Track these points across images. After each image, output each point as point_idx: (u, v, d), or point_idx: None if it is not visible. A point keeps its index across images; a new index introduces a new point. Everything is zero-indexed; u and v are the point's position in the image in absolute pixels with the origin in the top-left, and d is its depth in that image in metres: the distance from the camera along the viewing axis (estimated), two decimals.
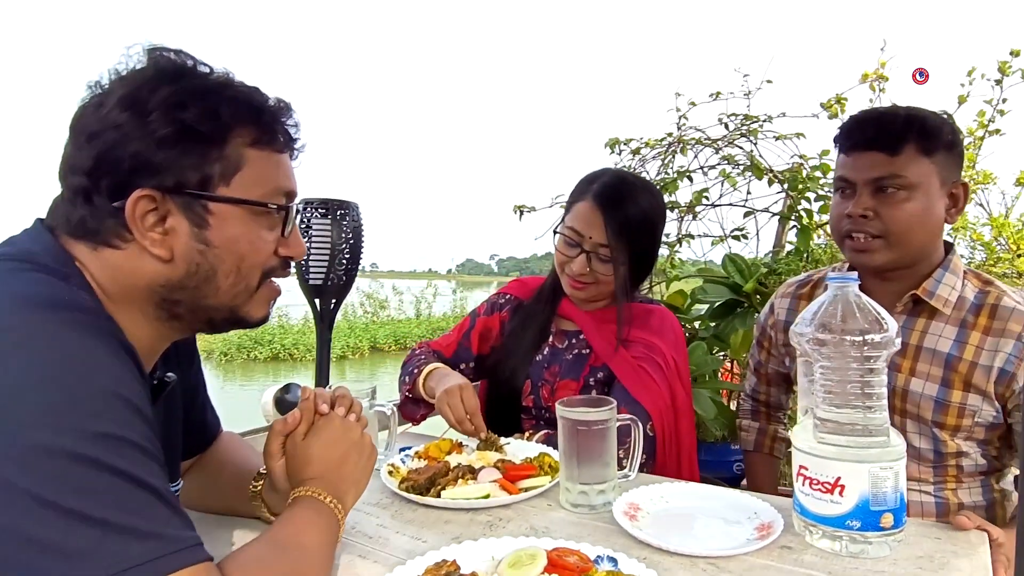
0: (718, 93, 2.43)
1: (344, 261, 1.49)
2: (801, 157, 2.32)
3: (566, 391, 1.34)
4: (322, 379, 1.56)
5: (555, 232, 1.36)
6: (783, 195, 2.35)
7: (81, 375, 0.54)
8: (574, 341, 1.39)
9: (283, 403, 1.28)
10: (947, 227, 1.21)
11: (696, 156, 2.45)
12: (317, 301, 1.54)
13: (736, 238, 2.44)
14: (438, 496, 0.96)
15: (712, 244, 2.48)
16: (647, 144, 2.52)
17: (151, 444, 0.57)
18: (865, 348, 0.79)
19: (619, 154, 2.56)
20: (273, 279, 0.75)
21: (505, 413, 1.40)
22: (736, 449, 1.89)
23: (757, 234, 2.44)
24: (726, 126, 2.41)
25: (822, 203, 2.19)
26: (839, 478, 0.79)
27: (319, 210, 1.48)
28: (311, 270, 1.50)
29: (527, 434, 1.30)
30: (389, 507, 0.97)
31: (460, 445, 1.17)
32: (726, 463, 1.91)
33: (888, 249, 1.14)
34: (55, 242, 0.66)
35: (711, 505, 0.94)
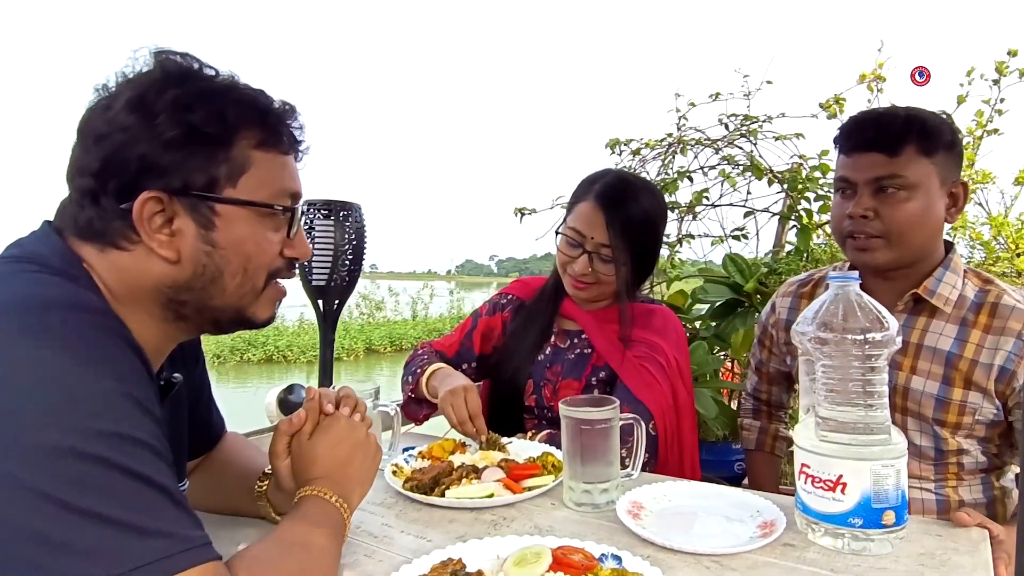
0: (718, 94, 2.44)
1: (347, 262, 1.50)
2: (801, 157, 2.33)
3: (568, 391, 1.35)
4: (326, 379, 1.56)
5: (557, 232, 1.37)
6: (783, 195, 2.36)
7: (91, 375, 0.55)
8: (576, 341, 1.40)
9: (286, 403, 1.29)
10: (947, 226, 1.22)
11: (696, 156, 2.46)
12: (320, 302, 1.55)
13: (736, 238, 2.45)
14: (442, 496, 0.96)
15: (712, 244, 2.49)
16: (647, 145, 2.53)
17: (160, 444, 0.58)
18: (866, 347, 0.79)
19: (619, 155, 2.56)
20: (278, 280, 0.76)
21: (507, 413, 1.41)
22: (737, 448, 1.90)
23: (757, 234, 2.45)
24: (726, 126, 2.42)
25: (822, 203, 2.20)
26: (841, 476, 0.80)
27: (322, 211, 1.48)
28: (314, 271, 1.51)
29: (530, 434, 1.31)
30: (394, 507, 0.97)
31: (463, 445, 1.18)
32: (727, 462, 1.92)
33: (889, 249, 1.15)
34: (63, 244, 0.66)
35: (714, 503, 0.95)
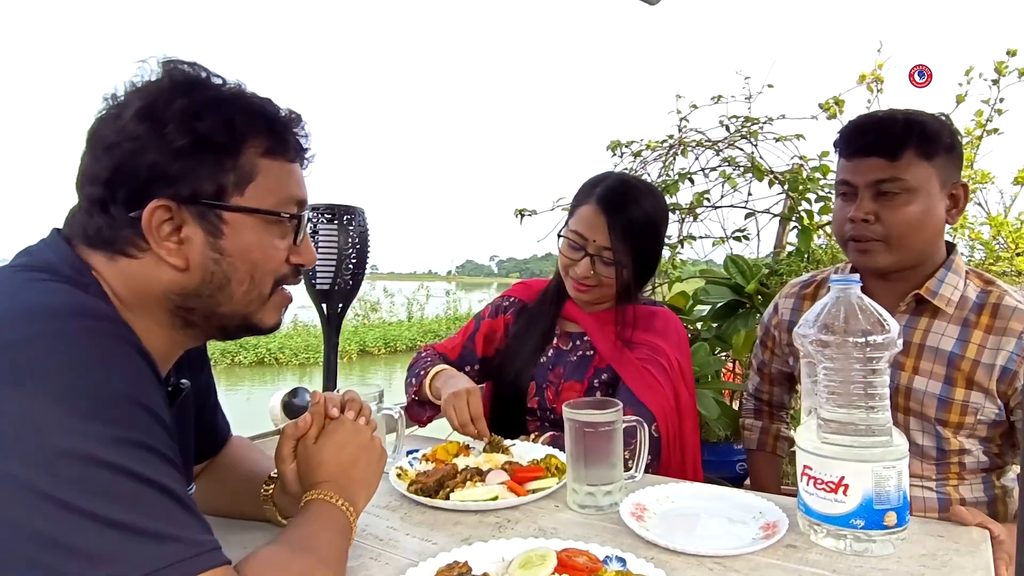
0: (720, 96, 2.45)
1: (351, 266, 1.51)
2: (801, 158, 2.33)
3: (571, 392, 1.35)
4: (330, 382, 1.57)
5: (559, 235, 1.37)
6: (783, 196, 2.37)
7: (103, 382, 0.55)
8: (578, 343, 1.41)
9: (291, 407, 1.29)
10: (947, 227, 1.22)
11: (697, 158, 2.46)
12: (324, 306, 1.55)
13: (737, 239, 2.45)
14: (447, 498, 0.97)
15: (713, 245, 2.50)
16: (648, 146, 2.54)
17: (170, 449, 0.58)
18: (867, 349, 0.80)
19: (620, 156, 2.57)
20: (284, 286, 0.76)
21: (510, 414, 1.42)
22: (739, 449, 1.90)
23: (758, 235, 2.46)
24: (727, 128, 2.43)
25: (822, 204, 2.21)
26: (843, 477, 0.80)
27: (325, 215, 1.49)
28: (318, 275, 1.52)
29: (532, 436, 1.32)
30: (398, 509, 0.98)
31: (467, 447, 1.19)
32: (729, 463, 1.92)
33: (890, 251, 1.15)
34: (72, 252, 0.67)
35: (716, 505, 0.95)
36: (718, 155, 2.44)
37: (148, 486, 0.54)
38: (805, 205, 2.26)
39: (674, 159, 2.48)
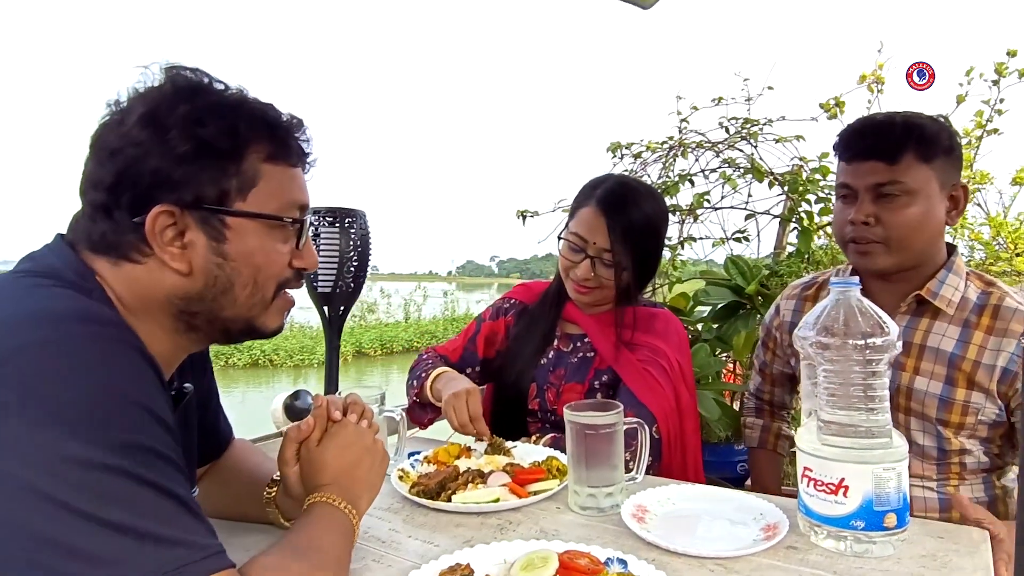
0: (720, 98, 2.45)
1: (352, 268, 1.51)
2: (801, 159, 2.34)
3: (571, 394, 1.36)
4: (331, 385, 1.57)
5: (559, 237, 1.38)
6: (783, 197, 2.37)
7: (109, 388, 0.56)
8: (579, 344, 1.41)
9: (292, 410, 1.30)
10: (948, 228, 1.23)
11: (697, 159, 2.47)
12: (326, 308, 1.56)
13: (737, 240, 2.46)
14: (449, 500, 0.97)
15: (713, 246, 2.50)
16: (648, 147, 2.54)
17: (174, 453, 0.59)
18: (867, 351, 0.80)
19: (620, 158, 2.57)
20: (287, 290, 0.77)
21: (511, 416, 1.42)
22: (740, 449, 1.91)
23: (758, 236, 2.46)
24: (726, 129, 2.43)
25: (822, 205, 2.21)
26: (843, 479, 0.81)
27: (327, 218, 1.50)
28: (319, 278, 1.52)
29: (534, 437, 1.32)
30: (400, 512, 0.98)
31: (468, 449, 1.19)
32: (730, 463, 1.93)
33: (890, 254, 1.16)
34: (76, 257, 0.68)
35: (717, 507, 0.96)
36: (718, 156, 2.45)
37: (153, 490, 0.55)
38: (805, 206, 2.26)
39: (674, 160, 2.48)
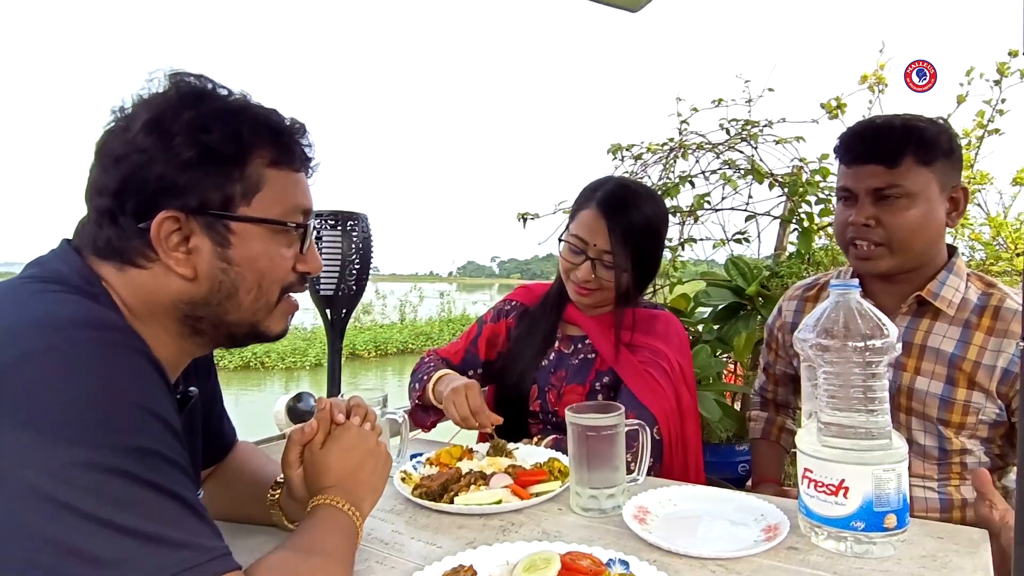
0: (720, 100, 2.45)
1: (354, 271, 1.52)
2: (801, 161, 2.34)
3: (573, 396, 1.36)
4: (334, 387, 1.58)
5: (560, 239, 1.38)
6: (784, 198, 2.37)
7: (115, 392, 0.56)
8: (580, 346, 1.42)
9: (295, 412, 1.30)
10: (948, 229, 1.23)
11: (697, 161, 2.47)
12: (328, 311, 1.56)
13: (738, 241, 2.46)
14: (451, 502, 0.98)
15: (714, 247, 2.50)
16: (649, 149, 2.54)
17: (180, 457, 0.59)
18: (867, 353, 0.81)
19: (621, 159, 2.58)
20: (291, 294, 0.77)
21: (512, 418, 1.42)
22: (741, 450, 1.91)
23: (759, 237, 2.47)
24: (727, 131, 2.43)
25: (822, 206, 2.21)
26: (843, 480, 0.81)
27: (329, 222, 1.50)
28: (322, 281, 1.53)
29: (535, 439, 1.33)
30: (403, 513, 0.99)
31: (471, 451, 1.19)
32: (731, 464, 1.93)
33: (891, 256, 1.17)
34: (82, 262, 0.68)
35: (718, 507, 0.96)
36: (718, 158, 2.45)
37: (160, 493, 0.55)
38: (805, 207, 2.26)
39: (674, 162, 2.49)
